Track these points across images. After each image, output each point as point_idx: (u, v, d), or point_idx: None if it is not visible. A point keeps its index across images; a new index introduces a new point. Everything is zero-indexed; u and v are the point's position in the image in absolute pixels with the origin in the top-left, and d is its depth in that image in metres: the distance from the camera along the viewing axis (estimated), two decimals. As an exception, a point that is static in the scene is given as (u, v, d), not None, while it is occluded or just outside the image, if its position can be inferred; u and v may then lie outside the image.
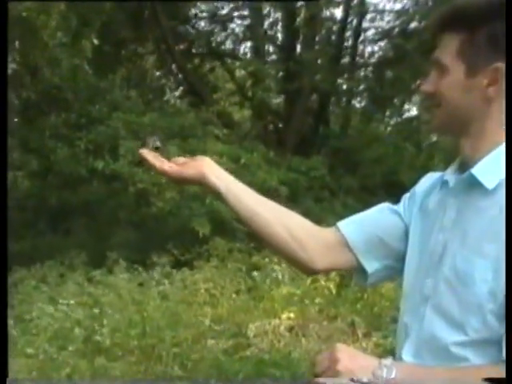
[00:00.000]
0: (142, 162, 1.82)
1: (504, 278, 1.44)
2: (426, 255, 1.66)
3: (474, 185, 1.58)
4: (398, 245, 1.78)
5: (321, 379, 1.49)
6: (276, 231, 1.80)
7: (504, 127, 1.57)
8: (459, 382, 1.45)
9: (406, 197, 1.84)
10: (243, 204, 1.80)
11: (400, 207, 1.83)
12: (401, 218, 1.80)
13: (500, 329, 1.45)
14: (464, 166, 1.63)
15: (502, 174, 1.53)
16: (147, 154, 1.81)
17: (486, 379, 1.41)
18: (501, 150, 1.56)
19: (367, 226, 1.84)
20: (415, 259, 1.71)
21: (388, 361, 1.48)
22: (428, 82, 1.65)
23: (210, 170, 1.78)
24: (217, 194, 1.80)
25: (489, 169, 1.56)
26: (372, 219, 1.85)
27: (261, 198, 1.86)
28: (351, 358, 1.50)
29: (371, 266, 1.80)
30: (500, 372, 1.39)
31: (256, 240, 1.70)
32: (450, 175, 1.68)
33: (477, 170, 1.57)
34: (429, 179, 1.82)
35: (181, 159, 1.83)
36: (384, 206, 1.87)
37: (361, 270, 1.82)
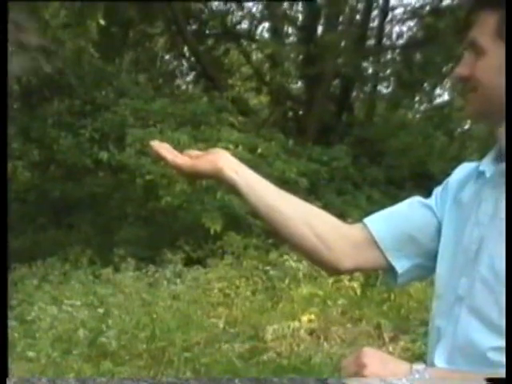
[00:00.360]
0: (152, 155, 1.79)
1: None
2: (461, 252, 1.64)
3: None
4: (430, 242, 1.76)
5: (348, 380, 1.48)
6: (299, 229, 1.77)
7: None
8: None
9: (438, 190, 1.81)
10: (263, 200, 1.76)
11: (432, 201, 1.79)
12: (433, 213, 1.77)
13: None
14: (502, 156, 1.60)
15: None
16: (158, 145, 1.77)
17: (487, 379, 1.40)
18: None
19: (396, 222, 1.80)
20: (448, 257, 1.69)
21: (420, 366, 1.46)
22: (462, 64, 1.61)
23: (227, 163, 1.75)
24: (234, 190, 1.76)
25: None
26: (401, 215, 1.82)
27: (282, 193, 1.82)
28: (380, 362, 1.48)
29: (401, 265, 1.77)
30: None
31: (275, 237, 1.68)
32: (486, 165, 1.65)
33: None
34: (463, 170, 1.78)
35: (194, 152, 1.80)
36: (414, 200, 1.84)
37: (390, 270, 1.79)
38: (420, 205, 1.81)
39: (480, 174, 1.66)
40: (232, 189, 1.76)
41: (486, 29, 1.56)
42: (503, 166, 1.58)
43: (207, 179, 1.83)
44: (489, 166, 1.64)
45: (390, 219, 1.82)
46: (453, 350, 1.58)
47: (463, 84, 1.62)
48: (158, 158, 1.76)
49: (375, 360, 1.48)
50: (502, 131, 1.60)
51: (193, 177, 1.82)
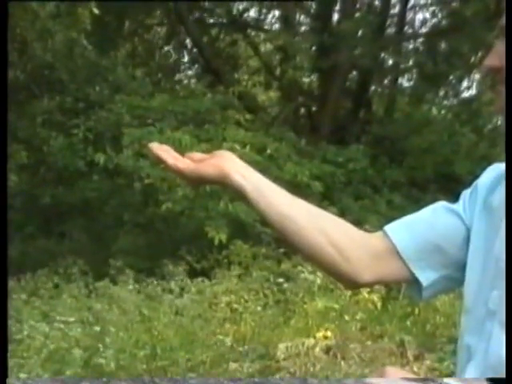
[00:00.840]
0: (151, 158, 1.78)
1: None
2: (492, 262, 1.64)
3: None
4: (458, 251, 1.75)
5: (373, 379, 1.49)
6: (313, 238, 1.75)
7: None
8: None
9: (466, 193, 1.80)
10: (274, 207, 1.74)
11: (459, 206, 1.78)
12: (461, 220, 1.76)
13: None
14: None
15: None
16: (158, 147, 1.75)
17: (487, 379, 1.41)
18: None
19: (420, 230, 1.79)
20: (479, 267, 1.69)
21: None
22: (494, 54, 1.61)
23: (234, 167, 1.73)
24: (242, 196, 1.74)
25: None
26: (426, 222, 1.80)
27: (295, 199, 1.79)
28: None
29: (426, 277, 1.76)
30: None
31: (287, 246, 1.66)
32: None
33: None
34: (494, 171, 1.77)
35: (197, 155, 1.77)
36: (440, 206, 1.82)
37: (414, 282, 1.77)
38: (446, 210, 1.80)
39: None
40: (239, 195, 1.74)
41: None
42: None
43: (212, 184, 1.81)
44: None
45: (412, 227, 1.81)
46: (485, 369, 1.58)
47: (494, 76, 1.62)
48: (158, 161, 1.74)
49: (399, 380, 1.48)
50: None
51: (196, 182, 1.79)
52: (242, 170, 1.73)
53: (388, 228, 1.79)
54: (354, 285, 1.81)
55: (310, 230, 1.74)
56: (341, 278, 1.82)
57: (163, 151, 1.73)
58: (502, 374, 1.52)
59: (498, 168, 1.75)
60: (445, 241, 1.75)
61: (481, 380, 1.46)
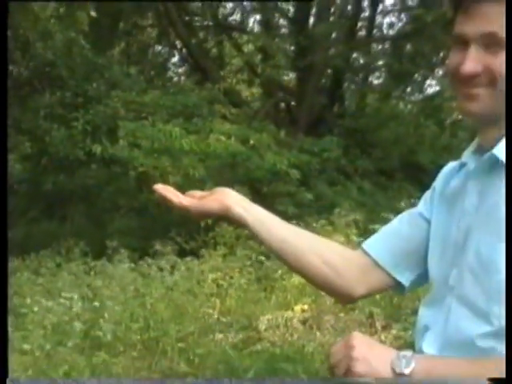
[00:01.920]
0: (158, 198, 1.79)
1: None
2: (450, 244, 1.66)
3: (496, 166, 1.55)
4: (426, 249, 1.79)
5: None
6: (309, 260, 1.80)
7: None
8: (480, 374, 1.43)
9: (426, 193, 1.84)
10: (273, 234, 1.79)
11: (421, 206, 1.83)
12: (423, 218, 1.80)
13: None
14: (484, 147, 1.60)
15: None
16: (163, 188, 1.79)
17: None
18: None
19: (392, 240, 1.84)
20: (438, 249, 1.71)
21: (407, 352, 1.48)
22: (472, 60, 1.55)
23: (234, 201, 1.77)
24: (243, 226, 1.78)
25: None
26: (395, 232, 1.86)
27: (289, 225, 1.85)
28: (368, 346, 1.50)
29: (406, 278, 1.82)
30: None
31: (288, 268, 1.77)
32: (469, 158, 1.67)
33: (498, 150, 1.54)
34: (447, 168, 1.80)
35: (197, 192, 1.82)
36: (404, 215, 1.87)
37: (397, 285, 1.83)
38: (409, 217, 1.85)
39: (463, 167, 1.69)
40: (241, 225, 1.79)
41: (501, 21, 1.52)
42: (484, 158, 1.58)
43: (215, 217, 1.84)
44: (470, 158, 1.66)
45: (385, 239, 1.86)
46: (444, 339, 1.60)
47: (471, 80, 1.58)
48: (164, 202, 1.77)
49: (363, 343, 1.49)
50: (487, 126, 1.61)
51: (200, 216, 1.83)
52: (241, 203, 1.77)
53: (365, 245, 1.85)
54: (349, 299, 1.88)
55: (305, 252, 1.80)
56: (337, 294, 1.90)
57: (167, 192, 1.76)
58: (458, 341, 1.55)
59: (451, 164, 1.79)
60: (414, 244, 1.80)
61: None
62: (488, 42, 1.53)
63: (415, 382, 1.46)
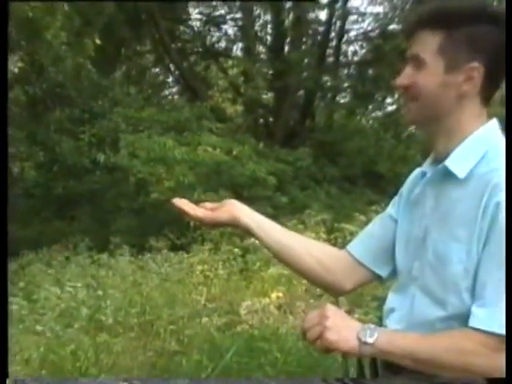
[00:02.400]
0: (175, 210, 1.84)
1: (476, 258, 1.48)
2: (412, 240, 1.69)
3: (448, 175, 1.58)
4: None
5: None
6: (305, 260, 1.85)
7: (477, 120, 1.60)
8: (432, 345, 1.49)
9: (395, 198, 1.87)
10: (273, 238, 1.84)
11: (390, 209, 1.86)
12: (392, 220, 1.82)
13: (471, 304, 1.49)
14: (439, 158, 1.64)
15: (472, 164, 1.54)
16: (179, 202, 1.83)
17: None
18: (471, 140, 1.58)
19: (369, 241, 1.88)
20: (403, 245, 1.74)
21: (372, 325, 1.53)
22: (403, 76, 1.62)
23: (241, 212, 1.83)
24: (249, 233, 1.84)
25: (460, 159, 1.57)
26: (370, 234, 1.90)
27: (287, 231, 1.91)
28: (340, 318, 1.53)
29: (384, 271, 1.85)
30: (467, 338, 1.46)
31: (287, 267, 1.81)
32: (427, 167, 1.70)
33: (449, 162, 1.57)
34: (412, 175, 1.83)
35: (209, 204, 1.86)
36: (377, 218, 1.92)
37: (377, 277, 1.87)
38: (381, 218, 1.88)
39: (423, 175, 1.71)
40: (247, 232, 1.85)
41: (429, 46, 1.58)
42: (438, 168, 1.62)
43: (225, 226, 1.91)
44: (429, 167, 1.69)
45: (364, 241, 1.90)
46: (409, 320, 1.63)
47: (404, 93, 1.64)
48: (181, 214, 1.82)
49: (336, 315, 1.53)
50: (438, 136, 1.64)
51: (212, 226, 1.88)
52: (247, 213, 1.84)
53: (349, 247, 1.90)
54: (340, 292, 1.92)
55: (301, 253, 1.85)
56: (329, 288, 1.93)
57: (184, 205, 1.82)
58: (420, 323, 1.59)
59: (415, 172, 1.81)
60: (386, 242, 1.82)
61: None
62: (415, 62, 1.60)
63: (379, 352, 1.50)
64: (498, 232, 1.45)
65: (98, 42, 11.85)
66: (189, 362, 4.99)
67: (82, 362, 4.81)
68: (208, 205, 1.86)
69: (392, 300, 1.74)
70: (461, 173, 1.55)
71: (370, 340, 1.48)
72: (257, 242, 6.49)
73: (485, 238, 1.47)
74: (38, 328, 5.86)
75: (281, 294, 7.47)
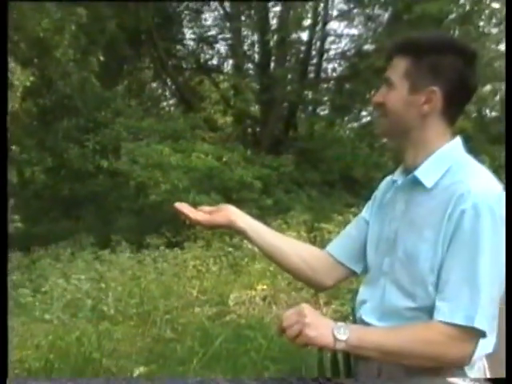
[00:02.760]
0: (176, 213, 1.85)
1: (440, 257, 1.52)
2: (383, 240, 1.72)
3: (417, 184, 1.63)
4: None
5: None
6: (293, 260, 1.87)
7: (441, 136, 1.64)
8: (400, 338, 1.52)
9: (369, 202, 1.90)
10: (265, 240, 1.85)
11: (364, 211, 1.89)
12: (365, 222, 1.85)
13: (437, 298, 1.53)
14: (408, 169, 1.68)
15: (438, 176, 1.59)
16: (180, 206, 1.84)
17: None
18: (437, 155, 1.62)
19: (346, 241, 1.90)
20: (374, 243, 1.77)
21: (343, 324, 1.55)
22: (377, 95, 1.68)
23: (236, 216, 1.84)
24: (244, 235, 1.85)
25: (428, 171, 1.61)
26: (347, 235, 1.92)
27: (277, 233, 1.92)
28: (316, 315, 1.56)
29: (359, 267, 1.86)
30: (432, 329, 1.49)
31: (277, 265, 1.81)
32: (398, 176, 1.73)
33: (418, 172, 1.62)
34: (384, 182, 1.86)
35: (206, 208, 1.87)
36: (353, 221, 1.94)
37: (354, 273, 1.89)
38: (357, 222, 1.90)
39: (394, 183, 1.74)
40: (242, 234, 1.85)
41: (398, 70, 1.63)
42: (408, 177, 1.66)
43: (221, 228, 1.92)
44: (399, 176, 1.72)
45: (341, 242, 1.92)
46: (381, 311, 1.66)
47: (377, 109, 1.69)
48: (181, 216, 1.83)
49: (313, 313, 1.55)
50: (406, 149, 1.68)
51: (210, 228, 1.90)
52: (242, 218, 1.84)
53: (329, 248, 1.91)
54: (323, 288, 1.94)
55: (289, 254, 1.87)
56: (313, 285, 1.95)
57: (184, 208, 1.82)
58: (391, 312, 1.62)
59: (387, 180, 1.84)
60: (360, 242, 1.84)
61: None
62: (387, 83, 1.66)
63: (351, 348, 1.52)
64: (461, 236, 1.50)
65: (101, 58, 11.83)
66: (182, 348, 4.99)
67: (86, 347, 4.80)
68: (206, 208, 1.86)
69: (363, 292, 1.76)
70: (428, 183, 1.60)
71: (344, 337, 1.50)
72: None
73: (449, 240, 1.51)
74: (47, 317, 5.84)
75: (266, 287, 7.48)
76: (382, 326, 1.61)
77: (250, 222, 1.85)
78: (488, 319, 1.48)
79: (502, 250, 1.50)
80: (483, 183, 1.53)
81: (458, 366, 1.54)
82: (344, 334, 1.51)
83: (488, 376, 1.66)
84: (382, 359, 1.54)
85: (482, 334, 1.48)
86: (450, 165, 1.60)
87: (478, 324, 1.46)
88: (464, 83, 1.61)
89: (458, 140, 1.66)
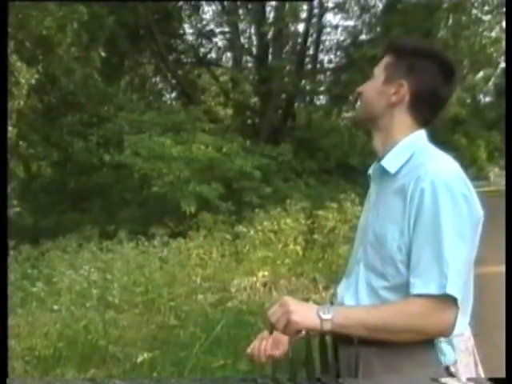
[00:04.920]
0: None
1: (407, 236, 1.57)
2: (362, 232, 1.78)
3: (384, 173, 1.69)
4: None
5: None
6: None
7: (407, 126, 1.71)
8: (384, 313, 1.56)
9: None
10: None
11: None
12: None
13: (408, 275, 1.57)
14: (378, 158, 1.74)
15: (401, 162, 1.66)
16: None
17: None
18: (401, 144, 1.69)
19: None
20: (356, 236, 1.83)
21: (325, 305, 1.61)
22: (362, 85, 1.79)
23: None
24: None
25: (393, 159, 1.68)
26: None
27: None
28: (299, 303, 1.60)
29: None
30: (412, 303, 1.53)
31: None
32: (372, 166, 1.79)
33: (384, 162, 1.69)
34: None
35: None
36: None
37: None
38: None
39: (369, 175, 1.81)
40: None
41: (381, 65, 1.77)
42: (377, 166, 1.72)
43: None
44: (372, 166, 1.77)
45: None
46: (358, 293, 1.69)
47: (357, 97, 1.80)
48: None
49: (295, 301, 1.60)
50: (376, 137, 1.76)
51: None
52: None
53: None
54: None
55: None
56: None
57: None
58: (369, 293, 1.65)
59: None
60: None
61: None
62: (371, 76, 1.78)
63: (337, 326, 1.54)
64: (423, 214, 1.54)
65: (103, 54, 11.83)
66: (185, 334, 5.04)
67: (93, 335, 4.86)
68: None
69: (342, 284, 1.80)
70: (392, 169, 1.66)
71: (329, 316, 1.54)
72: (245, 229, 6.53)
73: (414, 219, 1.56)
74: (55, 306, 5.89)
75: (266, 273, 7.52)
76: (364, 305, 1.65)
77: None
78: (458, 288, 1.51)
79: (464, 222, 1.54)
80: (440, 164, 1.60)
81: (443, 337, 1.57)
82: (329, 313, 1.54)
83: (476, 356, 1.70)
84: (366, 336, 1.57)
85: (455, 302, 1.51)
86: (413, 151, 1.66)
87: (450, 290, 1.50)
88: (434, 88, 1.70)
89: (422, 132, 1.72)
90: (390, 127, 1.72)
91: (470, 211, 1.56)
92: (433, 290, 1.51)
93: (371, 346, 1.59)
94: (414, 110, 1.70)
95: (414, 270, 1.55)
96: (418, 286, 1.53)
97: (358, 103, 1.79)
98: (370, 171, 1.80)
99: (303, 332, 1.62)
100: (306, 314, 1.56)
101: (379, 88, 1.72)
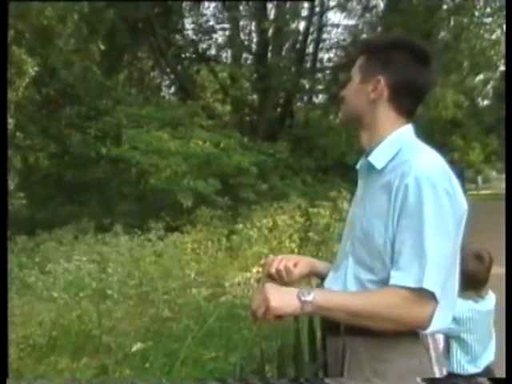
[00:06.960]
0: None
1: (391, 230, 1.60)
2: (350, 228, 1.81)
3: (371, 168, 1.73)
4: None
5: None
6: None
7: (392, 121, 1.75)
8: (364, 300, 1.60)
9: None
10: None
11: None
12: None
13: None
14: (365, 154, 1.78)
15: (388, 158, 1.69)
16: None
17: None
18: (387, 140, 1.72)
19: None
20: (344, 231, 1.87)
21: (306, 288, 1.61)
22: (344, 88, 1.83)
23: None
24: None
25: (380, 154, 1.71)
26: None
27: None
28: (278, 288, 1.63)
29: None
30: (392, 294, 1.57)
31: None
32: (360, 161, 1.83)
33: (371, 157, 1.73)
34: None
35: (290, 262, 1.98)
36: None
37: None
38: None
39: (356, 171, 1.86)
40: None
41: (356, 66, 1.80)
42: (364, 162, 1.77)
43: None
44: (360, 162, 1.82)
45: None
46: (346, 285, 1.72)
47: (340, 101, 1.83)
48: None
49: (274, 286, 1.64)
50: (362, 135, 1.80)
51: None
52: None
53: None
54: None
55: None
56: None
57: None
58: (357, 285, 1.69)
59: None
60: None
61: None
62: (349, 78, 1.82)
63: (318, 309, 1.56)
64: (407, 208, 1.58)
65: (102, 47, 11.82)
66: (178, 326, 5.07)
67: (87, 325, 4.90)
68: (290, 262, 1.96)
69: (330, 276, 1.83)
70: (379, 165, 1.70)
71: (309, 298, 1.56)
72: (241, 225, 6.59)
73: (398, 214, 1.59)
74: (50, 296, 5.92)
75: (260, 269, 7.54)
76: (346, 291, 1.68)
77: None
78: (437, 283, 1.55)
79: (447, 218, 1.58)
80: (425, 159, 1.63)
81: (421, 329, 1.60)
82: (309, 295, 1.55)
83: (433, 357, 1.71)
84: (346, 321, 1.60)
85: (433, 297, 1.54)
86: (400, 147, 1.69)
87: (427, 285, 1.53)
88: (412, 77, 1.72)
89: (409, 126, 1.76)
90: (375, 123, 1.75)
91: (453, 206, 1.59)
92: (410, 283, 1.54)
93: (357, 336, 1.63)
94: (396, 103, 1.73)
95: (396, 263, 1.58)
96: (397, 278, 1.56)
97: (342, 106, 1.82)
98: (358, 166, 1.83)
99: (287, 318, 1.63)
100: (285, 299, 1.57)
101: (357, 88, 1.76)
